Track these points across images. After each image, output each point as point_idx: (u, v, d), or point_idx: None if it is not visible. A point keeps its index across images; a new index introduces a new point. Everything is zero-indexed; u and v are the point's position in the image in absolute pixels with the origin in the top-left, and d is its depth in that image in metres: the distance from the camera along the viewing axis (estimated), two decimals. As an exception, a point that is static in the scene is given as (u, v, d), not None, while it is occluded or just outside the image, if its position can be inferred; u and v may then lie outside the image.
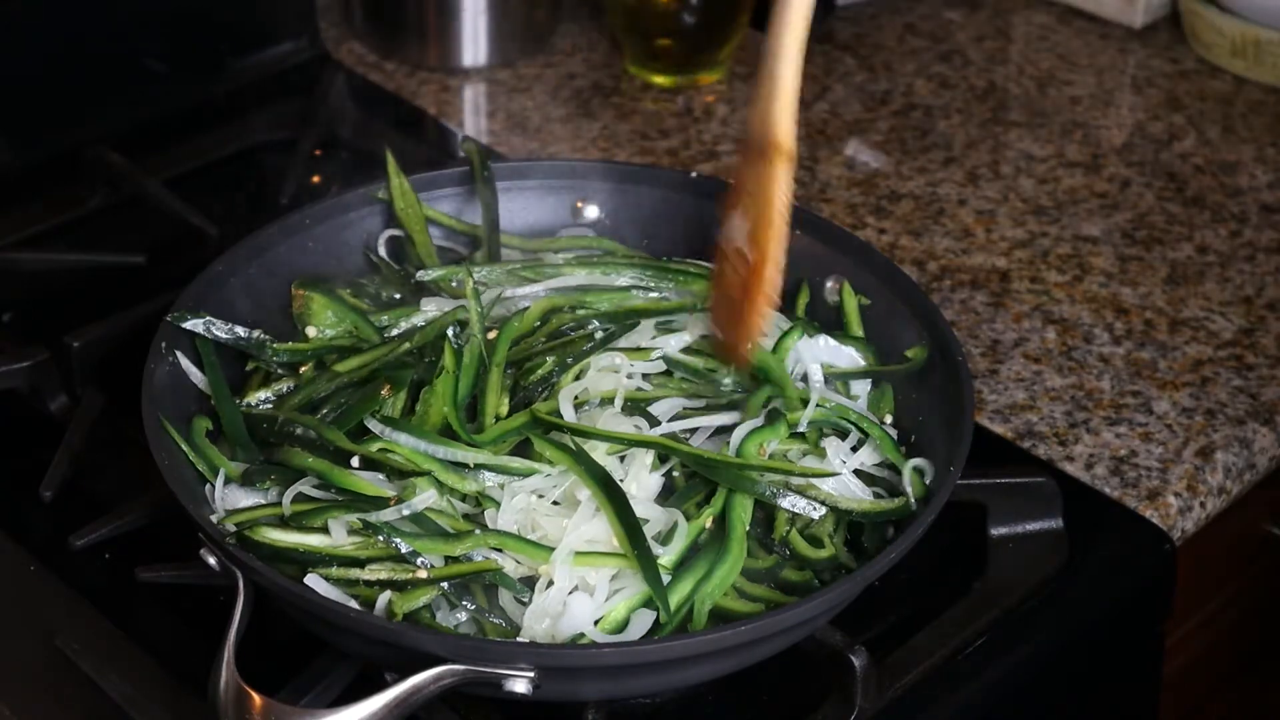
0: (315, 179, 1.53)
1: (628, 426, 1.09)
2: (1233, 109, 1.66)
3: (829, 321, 1.22)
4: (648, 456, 1.08)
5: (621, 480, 1.07)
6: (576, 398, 1.10)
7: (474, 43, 1.67)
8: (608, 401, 1.11)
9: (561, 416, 1.09)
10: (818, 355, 1.18)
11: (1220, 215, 1.51)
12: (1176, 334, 1.37)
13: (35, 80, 1.49)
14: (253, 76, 1.62)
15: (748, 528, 1.05)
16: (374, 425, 1.08)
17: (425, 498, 1.03)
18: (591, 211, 1.31)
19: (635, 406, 1.11)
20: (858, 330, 1.20)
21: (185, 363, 1.14)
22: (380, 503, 1.03)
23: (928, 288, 1.41)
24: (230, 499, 1.06)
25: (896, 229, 1.48)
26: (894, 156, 1.58)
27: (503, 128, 1.60)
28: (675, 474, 1.09)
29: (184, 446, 1.08)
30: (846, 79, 1.69)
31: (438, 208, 1.29)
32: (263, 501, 1.07)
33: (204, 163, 1.54)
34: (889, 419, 1.16)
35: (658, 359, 1.14)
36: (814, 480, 1.09)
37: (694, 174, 1.30)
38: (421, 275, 1.22)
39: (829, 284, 1.23)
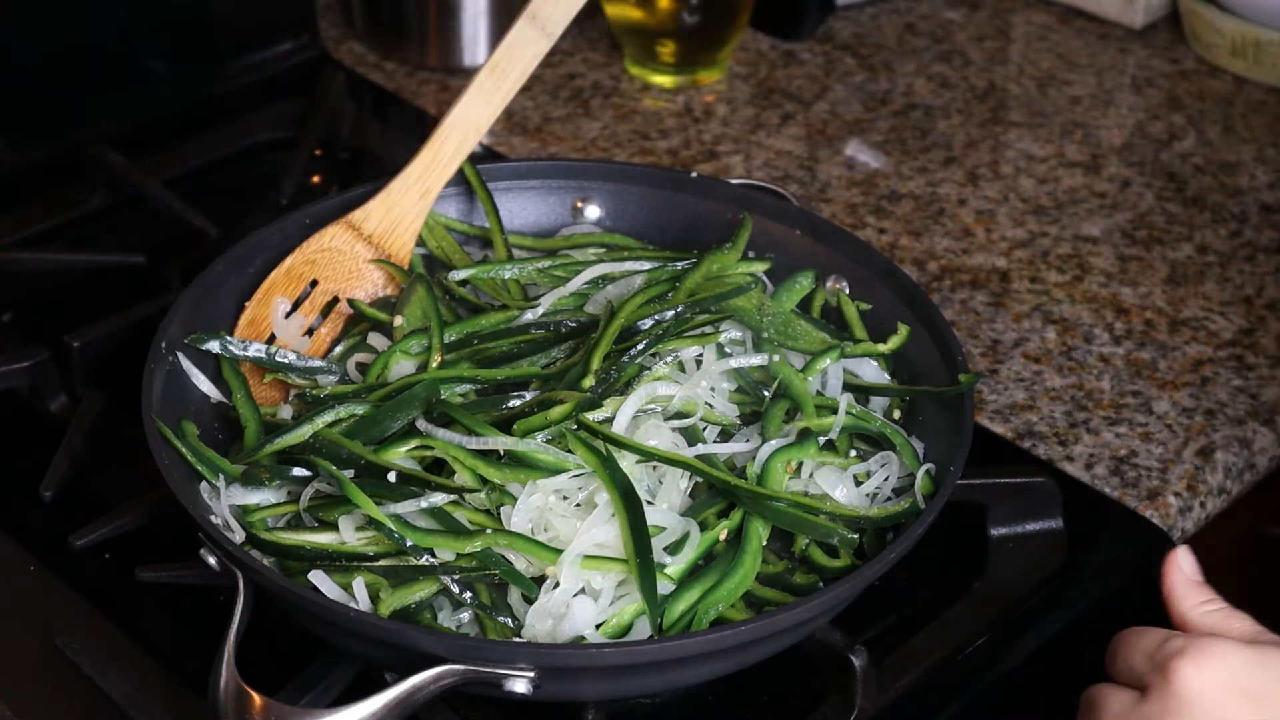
0: (315, 179, 1.53)
1: (667, 436, 1.09)
2: (1233, 109, 1.66)
3: (829, 320, 1.22)
4: (682, 475, 1.08)
5: (649, 489, 1.07)
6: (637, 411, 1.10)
7: (474, 43, 1.67)
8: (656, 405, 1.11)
9: (610, 417, 1.09)
10: (842, 364, 1.18)
11: (1220, 215, 1.51)
12: (1176, 334, 1.37)
13: (35, 80, 1.49)
14: (253, 76, 1.63)
15: (764, 543, 1.05)
16: (422, 424, 1.08)
17: (440, 495, 1.04)
18: (592, 211, 1.31)
19: (680, 416, 1.11)
20: (861, 334, 1.20)
21: (186, 363, 1.14)
22: (401, 495, 1.04)
23: (928, 288, 1.41)
24: (232, 498, 1.06)
25: (896, 229, 1.48)
26: (894, 156, 1.58)
27: (503, 128, 1.60)
28: (699, 480, 1.09)
29: (183, 447, 1.08)
30: (846, 79, 1.69)
31: (441, 210, 1.29)
32: (268, 501, 1.07)
33: (204, 163, 1.54)
34: (897, 415, 1.16)
35: (725, 372, 1.15)
36: (825, 490, 1.09)
37: (694, 174, 1.30)
38: (454, 275, 1.22)
39: (828, 284, 1.23)
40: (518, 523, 1.04)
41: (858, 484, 1.11)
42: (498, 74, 1.25)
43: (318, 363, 1.17)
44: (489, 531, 1.03)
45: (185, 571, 1.11)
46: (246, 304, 1.19)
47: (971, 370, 1.15)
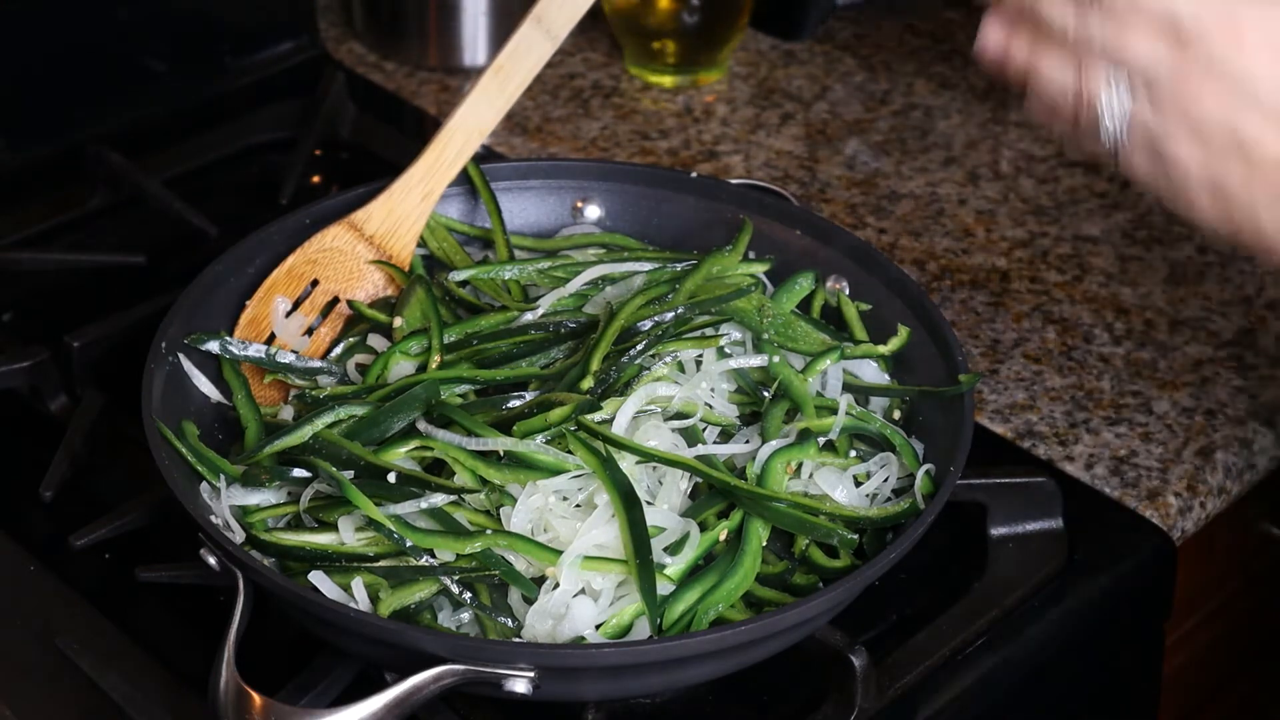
0: (315, 179, 1.53)
1: (666, 437, 1.09)
2: (1233, 109, 1.65)
3: (829, 320, 1.22)
4: (682, 476, 1.08)
5: (649, 490, 1.07)
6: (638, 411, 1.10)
7: (474, 43, 1.67)
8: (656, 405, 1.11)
9: (609, 418, 1.08)
10: (842, 365, 1.18)
11: (1220, 215, 1.51)
12: (1176, 334, 1.37)
13: (35, 80, 1.49)
14: (253, 76, 1.62)
15: (764, 543, 1.05)
16: (422, 424, 1.08)
17: (440, 495, 1.04)
18: (592, 211, 1.31)
19: (680, 416, 1.11)
20: (861, 335, 1.20)
21: (186, 364, 1.14)
22: (401, 496, 1.04)
23: (928, 288, 1.41)
24: (232, 499, 1.06)
25: (896, 229, 1.48)
26: (894, 156, 1.58)
27: (503, 128, 1.60)
28: (699, 480, 1.09)
29: (183, 448, 1.08)
30: (846, 79, 1.69)
31: (443, 210, 1.29)
32: (269, 501, 1.07)
33: (204, 163, 1.54)
34: (897, 415, 1.16)
35: (726, 371, 1.15)
36: (825, 490, 1.09)
37: (694, 174, 1.30)
38: (454, 276, 1.22)
39: (828, 284, 1.23)
40: (517, 523, 1.04)
41: (858, 484, 1.11)
42: (502, 77, 1.25)
43: (317, 363, 1.17)
44: (489, 532, 1.03)
45: (185, 571, 1.11)
46: (247, 303, 1.20)
47: (971, 370, 1.15)
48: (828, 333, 1.19)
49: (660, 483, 1.07)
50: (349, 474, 1.05)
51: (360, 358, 1.18)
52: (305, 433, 1.08)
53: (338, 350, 1.19)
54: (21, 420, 1.26)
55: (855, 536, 1.07)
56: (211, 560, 1.01)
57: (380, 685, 0.93)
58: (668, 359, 1.14)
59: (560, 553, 1.02)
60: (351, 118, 1.59)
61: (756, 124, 1.61)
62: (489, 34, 1.66)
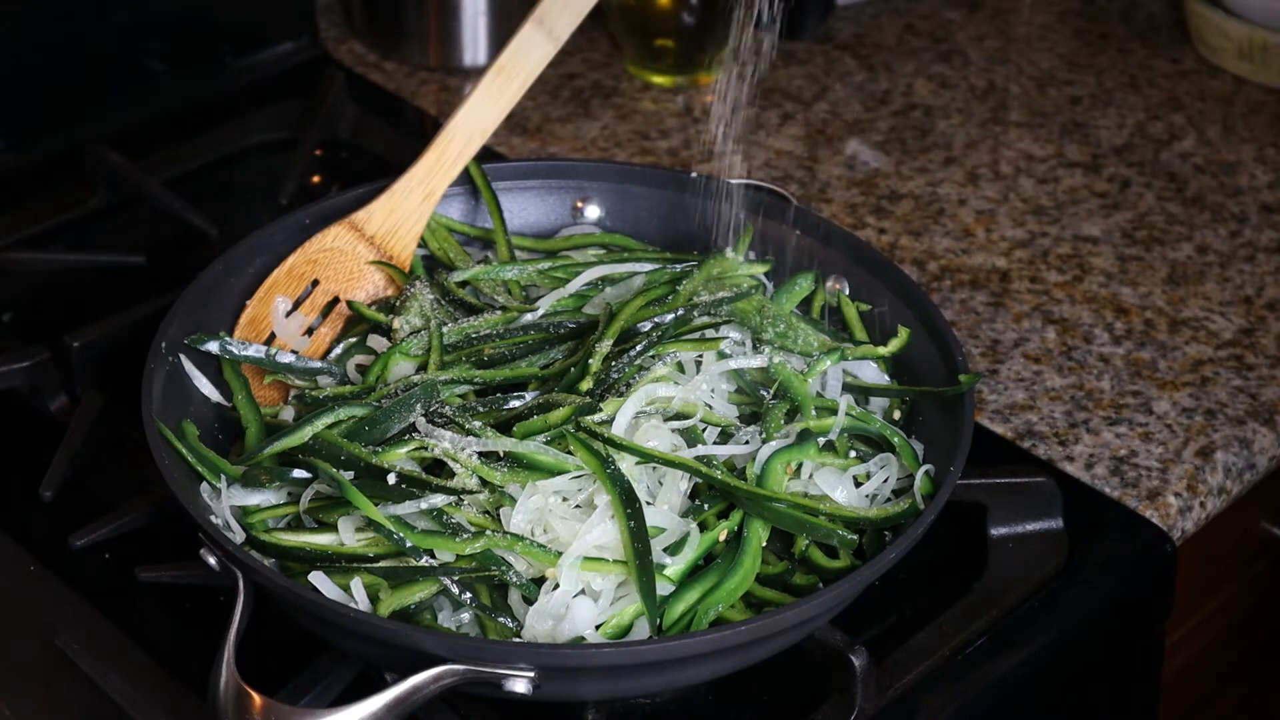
0: (315, 179, 1.53)
1: (666, 437, 1.09)
2: (1233, 109, 1.66)
3: (829, 320, 1.22)
4: (682, 477, 1.08)
5: (649, 491, 1.07)
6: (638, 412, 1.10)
7: (474, 43, 1.67)
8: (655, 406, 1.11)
9: (609, 419, 1.08)
10: (841, 365, 1.18)
11: (1220, 215, 1.51)
12: (1176, 334, 1.37)
13: (35, 80, 1.49)
14: (253, 76, 1.63)
15: (764, 544, 1.05)
16: (422, 425, 1.08)
17: (440, 496, 1.04)
18: (592, 211, 1.31)
19: (679, 417, 1.11)
20: (861, 335, 1.20)
21: (187, 364, 1.14)
22: (401, 496, 1.04)
23: (928, 288, 1.41)
24: (232, 499, 1.06)
25: (896, 229, 1.48)
26: (894, 156, 1.58)
27: (503, 128, 1.60)
28: (699, 480, 1.09)
29: (183, 448, 1.07)
30: (846, 79, 1.69)
31: (444, 210, 1.29)
32: (269, 502, 1.07)
33: (204, 163, 1.54)
34: (897, 415, 1.16)
35: (723, 371, 1.15)
36: (825, 491, 1.09)
37: (694, 174, 1.30)
38: (454, 276, 1.23)
39: (828, 284, 1.23)
40: (517, 524, 1.04)
41: (857, 485, 1.11)
42: (503, 78, 1.25)
43: (317, 364, 1.17)
44: (489, 533, 1.03)
45: (185, 571, 1.11)
46: (247, 303, 1.20)
47: (971, 370, 1.15)
48: (828, 333, 1.19)
49: (660, 483, 1.07)
50: (349, 475, 1.05)
51: (360, 358, 1.19)
52: (305, 433, 1.08)
53: (338, 350, 1.19)
54: (21, 420, 1.26)
55: (855, 537, 1.07)
56: (211, 560, 1.01)
57: (380, 685, 0.93)
58: (667, 360, 1.14)
59: (560, 554, 1.02)
60: (351, 118, 1.59)
61: (756, 124, 1.61)
62: (489, 34, 1.66)
